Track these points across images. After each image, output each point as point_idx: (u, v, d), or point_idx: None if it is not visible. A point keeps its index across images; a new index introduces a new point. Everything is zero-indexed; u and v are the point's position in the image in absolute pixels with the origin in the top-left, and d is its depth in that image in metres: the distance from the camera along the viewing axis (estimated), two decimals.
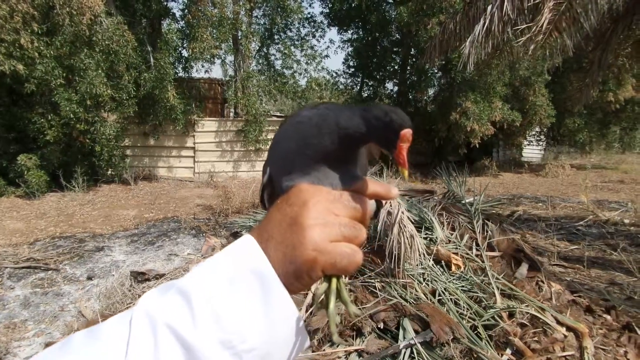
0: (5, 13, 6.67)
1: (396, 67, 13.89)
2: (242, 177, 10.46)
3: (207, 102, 11.63)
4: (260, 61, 12.04)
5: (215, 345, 0.32)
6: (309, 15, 14.49)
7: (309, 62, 12.13)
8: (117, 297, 3.35)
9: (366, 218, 0.42)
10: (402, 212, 2.78)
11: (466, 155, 12.04)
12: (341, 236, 0.38)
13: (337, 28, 14.44)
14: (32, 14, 6.97)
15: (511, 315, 2.37)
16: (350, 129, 0.40)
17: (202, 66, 10.20)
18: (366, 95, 14.24)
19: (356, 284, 2.66)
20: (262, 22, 11.88)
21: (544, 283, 2.78)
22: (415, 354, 2.04)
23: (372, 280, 2.66)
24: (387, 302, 2.43)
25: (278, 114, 13.88)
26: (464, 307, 2.43)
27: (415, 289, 2.56)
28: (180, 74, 10.14)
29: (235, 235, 4.76)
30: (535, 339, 2.18)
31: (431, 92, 13.19)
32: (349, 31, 14.46)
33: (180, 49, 9.80)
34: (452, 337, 2.08)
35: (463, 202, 3.66)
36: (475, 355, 2.04)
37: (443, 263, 2.88)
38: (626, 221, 5.35)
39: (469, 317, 2.35)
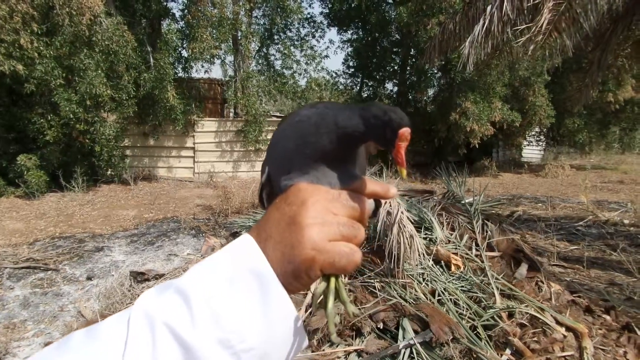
0: (5, 13, 6.67)
1: (396, 68, 13.91)
2: (241, 177, 10.45)
3: (206, 103, 11.62)
4: (260, 61, 12.05)
5: (214, 345, 0.32)
6: (308, 16, 14.51)
7: (308, 62, 12.16)
8: (117, 297, 3.35)
9: (365, 217, 0.42)
10: (402, 212, 2.78)
11: (466, 156, 12.05)
12: (340, 235, 0.38)
13: (336, 28, 14.46)
14: (32, 14, 6.97)
15: (511, 315, 2.37)
16: (349, 128, 0.40)
17: (202, 66, 10.22)
18: (366, 95, 14.25)
19: (356, 284, 2.66)
20: (261, 23, 11.90)
21: (543, 283, 2.78)
22: (415, 354, 2.04)
23: (372, 280, 2.66)
24: (386, 302, 2.43)
25: (278, 114, 13.87)
26: (463, 307, 2.43)
27: (415, 289, 2.56)
28: (180, 74, 10.14)
29: (235, 235, 4.76)
30: (535, 339, 2.18)
31: (431, 92, 13.22)
32: (348, 31, 14.48)
33: (180, 49, 9.80)
34: (451, 337, 2.08)
35: (463, 202, 3.66)
36: (474, 356, 2.04)
37: (443, 263, 2.88)
38: (626, 221, 5.36)
39: (469, 317, 2.35)
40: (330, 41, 41.29)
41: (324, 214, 0.38)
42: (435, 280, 2.66)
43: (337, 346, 2.13)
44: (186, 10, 9.82)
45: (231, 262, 0.36)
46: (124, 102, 8.37)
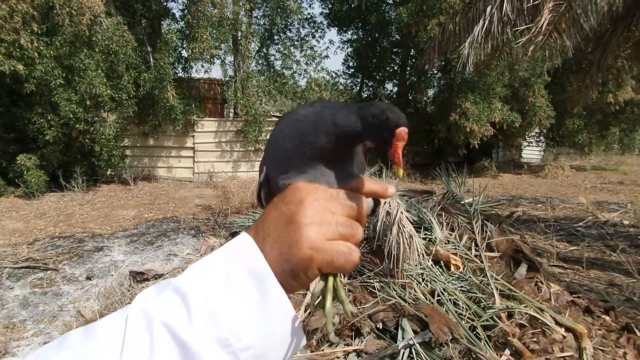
0: (5, 13, 6.67)
1: (396, 68, 13.92)
2: (241, 178, 10.46)
3: (206, 103, 11.63)
4: (260, 61, 12.07)
5: (212, 344, 0.32)
6: (308, 16, 14.50)
7: (308, 62, 12.17)
8: (116, 297, 3.35)
9: (363, 216, 0.42)
10: (401, 213, 2.78)
11: (466, 156, 12.04)
12: (338, 234, 0.38)
13: (336, 29, 14.48)
14: (32, 14, 6.97)
15: (510, 315, 2.37)
16: (346, 128, 0.40)
17: (202, 66, 10.22)
18: (366, 95, 14.27)
19: (355, 284, 2.66)
20: (261, 23, 11.92)
21: (543, 284, 2.78)
22: (414, 354, 2.04)
23: (371, 281, 2.66)
24: (386, 302, 2.43)
25: (278, 114, 13.87)
26: (463, 307, 2.43)
27: (414, 289, 2.56)
28: (180, 74, 10.15)
29: (234, 235, 4.75)
30: (534, 339, 2.18)
31: (431, 93, 13.23)
32: (348, 32, 14.49)
33: (180, 49, 9.81)
34: (450, 337, 2.08)
35: (462, 202, 3.66)
36: (474, 356, 2.04)
37: (442, 263, 2.88)
38: (625, 222, 5.36)
39: (468, 318, 2.35)
40: (330, 41, 41.37)
41: (322, 213, 0.38)
42: (434, 281, 2.66)
43: (336, 346, 2.13)
44: (186, 11, 9.83)
45: (229, 261, 0.36)
46: (123, 102, 8.37)
